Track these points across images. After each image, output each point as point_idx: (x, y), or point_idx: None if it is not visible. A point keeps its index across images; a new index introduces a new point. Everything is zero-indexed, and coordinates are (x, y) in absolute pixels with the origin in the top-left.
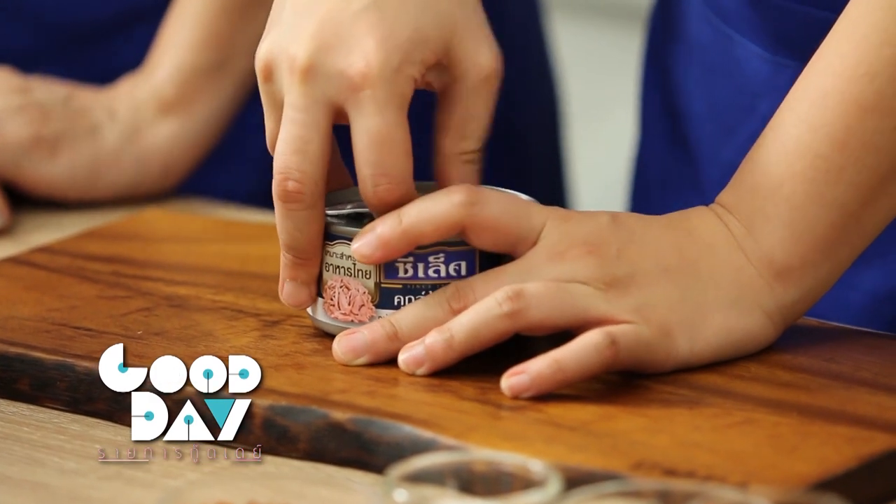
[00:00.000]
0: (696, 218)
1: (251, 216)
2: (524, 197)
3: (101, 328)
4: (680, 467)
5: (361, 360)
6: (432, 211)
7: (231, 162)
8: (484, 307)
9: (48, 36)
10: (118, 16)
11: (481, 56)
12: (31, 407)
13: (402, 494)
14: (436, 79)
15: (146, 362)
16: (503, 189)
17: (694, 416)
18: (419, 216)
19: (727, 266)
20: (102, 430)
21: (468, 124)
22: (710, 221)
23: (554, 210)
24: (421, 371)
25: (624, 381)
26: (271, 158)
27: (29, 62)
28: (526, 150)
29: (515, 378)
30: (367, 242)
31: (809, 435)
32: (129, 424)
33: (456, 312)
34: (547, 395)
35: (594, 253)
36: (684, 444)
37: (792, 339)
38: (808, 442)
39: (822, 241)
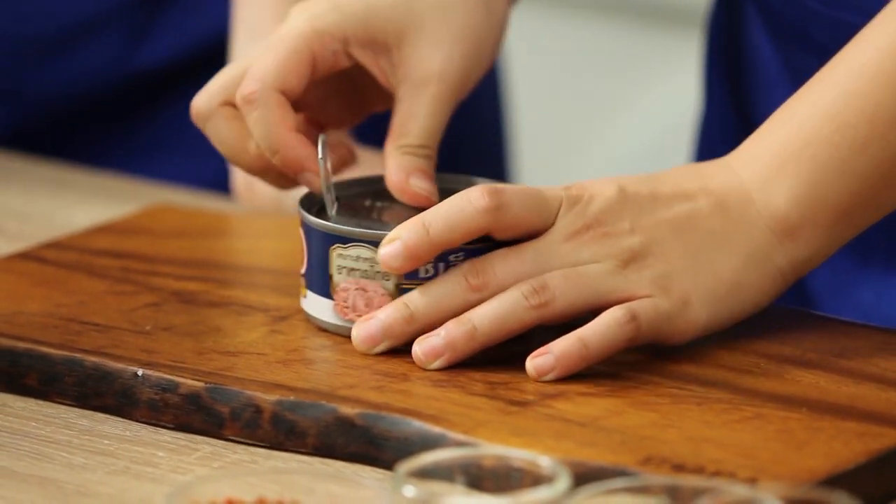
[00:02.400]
0: (709, 172)
1: (259, 210)
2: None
3: (109, 323)
4: (689, 463)
5: (381, 348)
6: (458, 219)
7: (190, 148)
8: (510, 300)
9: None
10: (76, 25)
11: (430, 59)
12: (40, 402)
13: (410, 490)
14: (384, 72)
15: (154, 357)
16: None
17: (703, 412)
18: (446, 225)
19: (739, 225)
20: (111, 426)
21: (408, 121)
22: (725, 175)
23: (565, 190)
24: (438, 363)
25: (633, 376)
26: None
27: None
28: (472, 138)
29: (540, 358)
30: (394, 254)
31: (819, 430)
32: (137, 419)
33: (474, 288)
34: (555, 391)
35: (609, 233)
36: (693, 440)
37: (801, 333)
38: (818, 437)
39: (838, 206)
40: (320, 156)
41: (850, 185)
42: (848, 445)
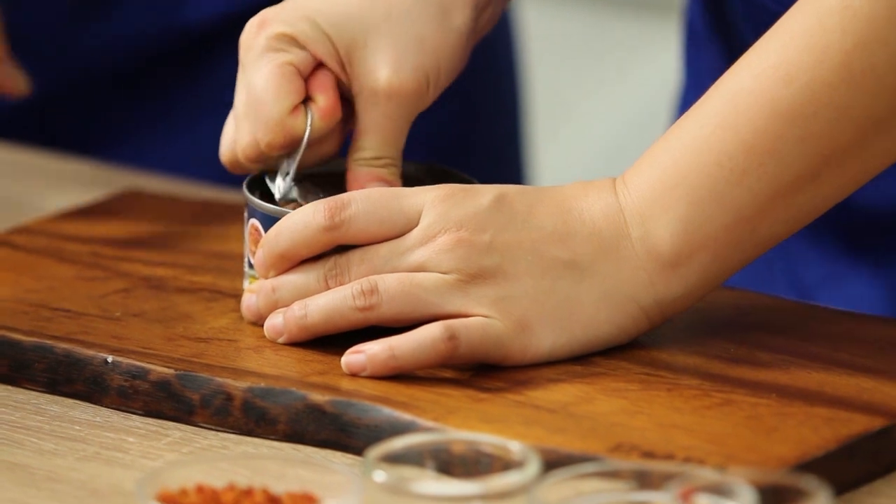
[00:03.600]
0: (594, 195)
1: (229, 196)
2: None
3: (79, 309)
4: (659, 450)
5: (256, 321)
6: (302, 236)
7: (180, 138)
8: (340, 296)
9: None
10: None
11: (376, 74)
12: (10, 388)
13: (380, 475)
14: (346, 84)
15: (124, 344)
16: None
17: (672, 398)
18: (291, 241)
19: (610, 257)
20: (81, 412)
21: (362, 136)
22: (606, 201)
23: (438, 189)
24: (280, 341)
25: (603, 362)
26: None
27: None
28: (488, 131)
29: (353, 356)
30: (257, 260)
31: (788, 416)
32: (107, 406)
33: (333, 289)
34: (525, 378)
35: (464, 242)
36: (663, 426)
37: (770, 318)
38: (787, 423)
39: (714, 242)
40: (307, 133)
41: (724, 218)
42: (817, 432)
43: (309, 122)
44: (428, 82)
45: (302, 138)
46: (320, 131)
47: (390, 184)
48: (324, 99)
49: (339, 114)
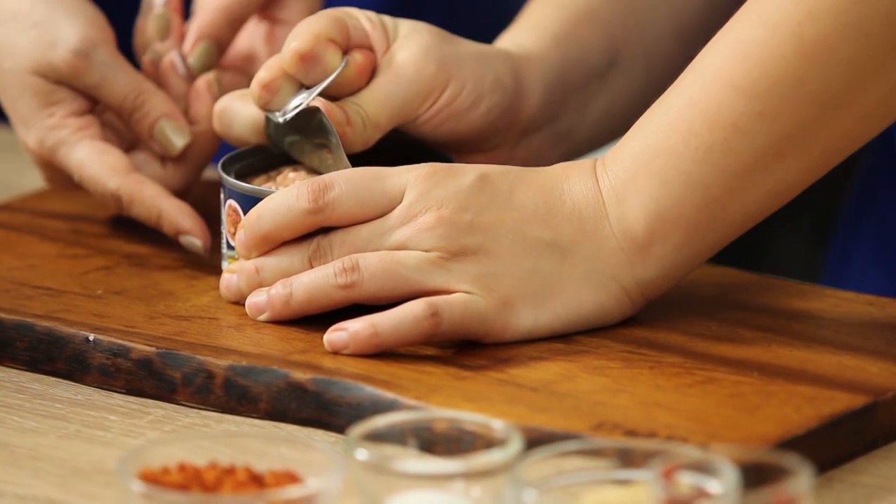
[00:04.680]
0: (575, 176)
1: (209, 173)
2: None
3: (60, 287)
4: (641, 428)
5: (238, 298)
6: (286, 219)
7: None
8: (322, 275)
9: None
10: None
11: (407, 44)
12: None
13: (363, 453)
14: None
15: (106, 322)
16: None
17: (655, 376)
18: (274, 223)
19: (590, 237)
20: (63, 390)
21: (361, 91)
22: (587, 182)
23: (420, 168)
24: (262, 318)
25: (585, 339)
26: None
27: None
28: None
29: (336, 334)
30: (239, 242)
31: (770, 394)
32: (89, 384)
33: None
34: (507, 356)
35: (445, 221)
36: (645, 404)
37: (752, 297)
38: (769, 401)
39: (686, 223)
40: (337, 71)
41: (694, 197)
42: (799, 410)
43: (342, 65)
44: (447, 82)
45: (329, 75)
46: (346, 80)
47: (347, 119)
48: (361, 58)
49: (365, 79)
